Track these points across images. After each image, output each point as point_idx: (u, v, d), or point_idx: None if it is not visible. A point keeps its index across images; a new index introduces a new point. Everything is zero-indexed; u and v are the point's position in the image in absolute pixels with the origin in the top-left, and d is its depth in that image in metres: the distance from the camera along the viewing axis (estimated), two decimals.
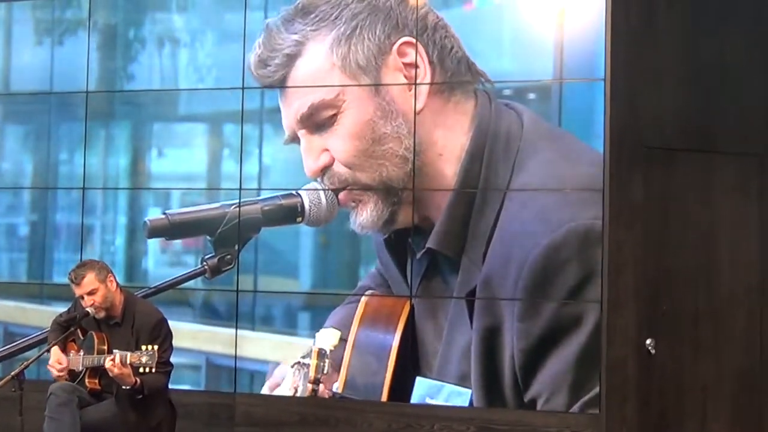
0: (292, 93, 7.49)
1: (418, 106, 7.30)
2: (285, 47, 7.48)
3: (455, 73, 7.23)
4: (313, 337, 7.51)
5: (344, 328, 7.42)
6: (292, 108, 7.51)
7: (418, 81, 7.30)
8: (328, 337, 7.40)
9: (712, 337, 7.21)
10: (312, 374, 7.42)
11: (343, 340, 7.40)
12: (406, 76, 7.31)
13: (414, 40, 7.30)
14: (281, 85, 7.52)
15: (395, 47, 7.32)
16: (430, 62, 7.28)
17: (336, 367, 7.38)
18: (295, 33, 7.46)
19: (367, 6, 7.36)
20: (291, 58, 7.49)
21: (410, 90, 7.30)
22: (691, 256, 7.17)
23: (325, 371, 7.39)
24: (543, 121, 7.11)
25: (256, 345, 7.70)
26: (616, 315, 6.90)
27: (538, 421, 7.00)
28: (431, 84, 7.25)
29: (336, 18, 7.39)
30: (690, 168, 7.19)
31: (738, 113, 7.33)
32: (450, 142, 7.24)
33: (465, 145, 7.19)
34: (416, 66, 7.28)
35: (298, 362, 7.47)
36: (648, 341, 7.00)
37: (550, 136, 7.07)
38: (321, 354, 7.41)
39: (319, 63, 7.42)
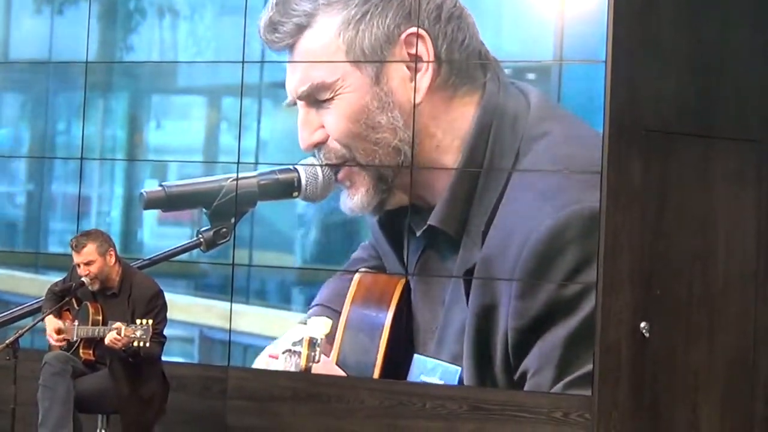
0: (298, 58, 7.46)
1: (420, 98, 7.25)
2: (296, 15, 7.43)
3: (462, 68, 7.18)
4: (307, 312, 7.51)
5: (335, 301, 7.41)
6: (294, 76, 7.49)
7: (420, 73, 7.24)
8: (319, 326, 7.39)
9: (707, 323, 7.22)
10: (303, 363, 7.41)
11: (336, 311, 7.39)
12: (409, 67, 7.26)
13: (422, 32, 7.24)
14: (289, 51, 7.47)
15: (402, 37, 7.27)
16: (436, 56, 7.23)
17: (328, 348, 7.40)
18: (309, 2, 7.41)
19: None
20: (300, 29, 7.44)
21: (410, 80, 7.24)
22: (687, 241, 7.18)
23: (316, 360, 7.38)
24: (550, 103, 7.09)
25: (249, 319, 7.70)
26: (611, 298, 6.91)
27: (530, 402, 7.01)
28: (432, 61, 7.22)
29: None
30: (688, 152, 7.19)
31: (738, 98, 7.32)
32: (449, 135, 7.20)
33: (466, 134, 7.15)
34: (417, 55, 7.25)
35: (289, 350, 7.45)
36: (642, 324, 7.01)
37: (556, 118, 7.04)
38: (312, 343, 7.39)
39: (324, 42, 7.38)
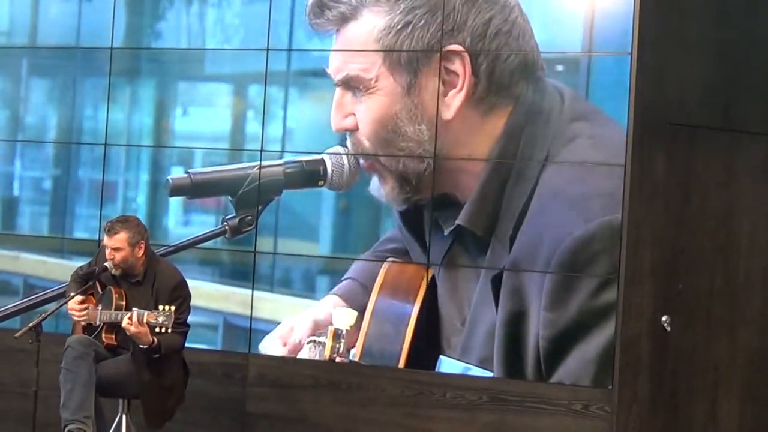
0: (340, 45, 7.43)
1: (450, 116, 7.20)
2: (343, 2, 7.39)
3: (502, 85, 7.08)
4: (338, 285, 7.50)
5: (366, 276, 7.41)
6: (335, 60, 7.46)
7: (453, 91, 7.15)
8: (344, 317, 7.40)
9: (727, 318, 7.19)
10: (327, 354, 7.42)
11: (366, 287, 7.38)
12: (444, 81, 7.21)
13: (462, 49, 7.15)
14: (336, 34, 7.44)
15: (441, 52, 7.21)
16: (474, 74, 7.15)
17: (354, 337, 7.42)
18: None
19: (428, 1, 7.23)
20: (344, 18, 7.38)
21: (442, 95, 7.19)
22: (709, 236, 7.15)
23: (340, 352, 7.40)
24: (583, 102, 7.03)
25: (273, 307, 7.72)
26: (632, 291, 6.89)
27: (550, 394, 7.00)
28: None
29: None
30: (713, 146, 7.16)
31: (764, 92, 7.28)
32: (480, 145, 7.14)
33: (496, 139, 7.11)
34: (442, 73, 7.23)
35: (314, 340, 7.48)
36: (664, 318, 6.99)
37: (588, 118, 6.99)
38: (337, 334, 7.40)
39: (364, 40, 7.34)
